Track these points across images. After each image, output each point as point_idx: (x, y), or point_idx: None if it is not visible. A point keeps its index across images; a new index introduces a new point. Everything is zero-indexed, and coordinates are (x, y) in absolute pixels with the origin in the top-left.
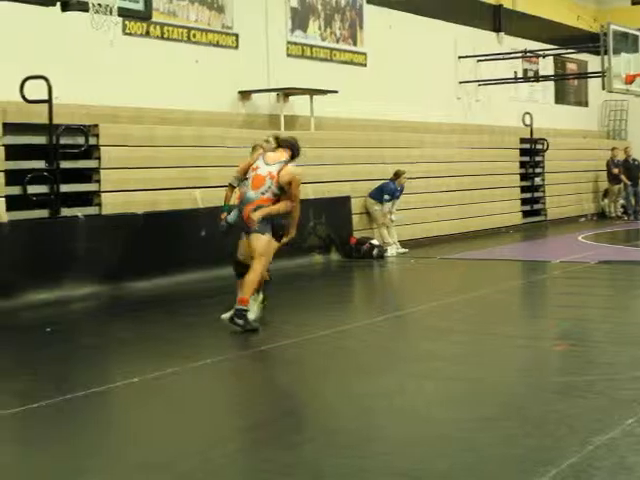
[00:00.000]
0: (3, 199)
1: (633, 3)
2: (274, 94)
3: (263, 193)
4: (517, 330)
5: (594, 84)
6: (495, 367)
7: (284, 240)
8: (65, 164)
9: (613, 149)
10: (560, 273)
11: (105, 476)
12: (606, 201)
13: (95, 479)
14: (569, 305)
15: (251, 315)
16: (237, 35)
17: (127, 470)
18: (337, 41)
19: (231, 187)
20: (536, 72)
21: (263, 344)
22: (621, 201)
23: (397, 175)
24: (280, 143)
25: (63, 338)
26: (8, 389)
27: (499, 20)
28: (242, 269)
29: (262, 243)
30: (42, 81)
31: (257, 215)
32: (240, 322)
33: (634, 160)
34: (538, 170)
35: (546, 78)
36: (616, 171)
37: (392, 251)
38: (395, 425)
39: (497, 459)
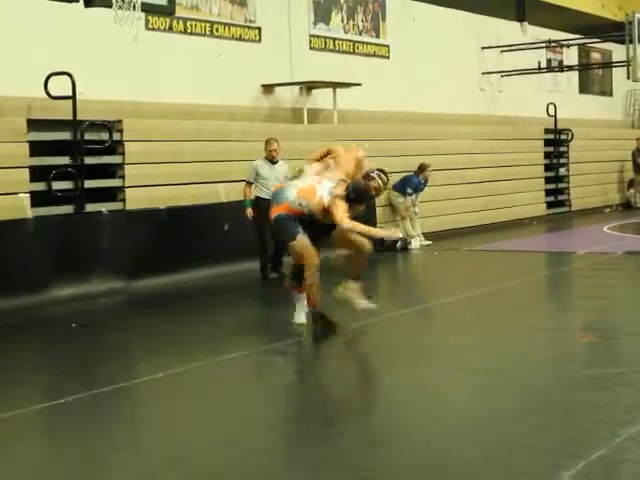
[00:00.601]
0: (28, 195)
1: None
2: (297, 87)
3: (300, 205)
4: (544, 322)
5: (619, 73)
6: (522, 359)
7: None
8: (89, 160)
9: (638, 139)
10: (586, 264)
11: (131, 470)
12: (631, 191)
13: (121, 473)
14: (596, 296)
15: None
16: (260, 29)
17: (153, 465)
18: (360, 33)
19: (248, 184)
20: (560, 62)
21: (289, 338)
22: None
23: (422, 168)
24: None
25: (89, 333)
26: (35, 384)
27: (522, 10)
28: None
29: (295, 250)
30: (66, 77)
31: None
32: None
33: None
34: (562, 161)
35: (570, 68)
36: None
37: (416, 243)
38: (423, 418)
39: (526, 451)
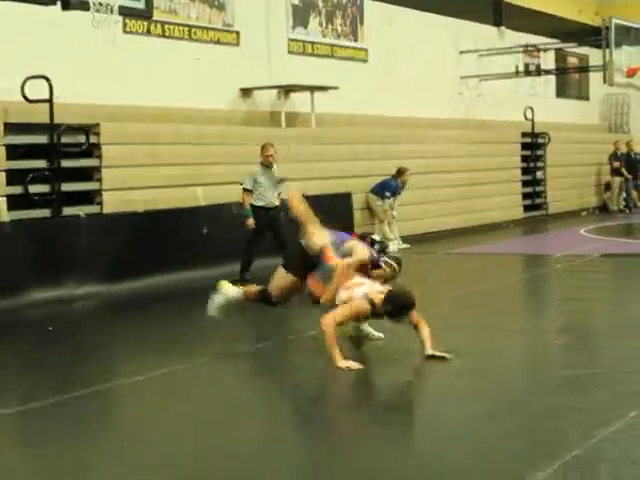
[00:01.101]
0: (5, 198)
1: None
2: (275, 91)
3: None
4: (520, 324)
5: (595, 78)
6: (499, 361)
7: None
8: (66, 163)
9: (616, 142)
10: (562, 267)
11: (109, 475)
12: (608, 194)
13: (99, 478)
14: (572, 298)
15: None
16: (238, 32)
17: (131, 469)
18: (338, 37)
19: (247, 192)
20: (537, 66)
21: (268, 340)
22: (624, 194)
23: (400, 172)
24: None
25: (66, 336)
26: (12, 388)
27: (500, 14)
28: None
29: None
30: (43, 81)
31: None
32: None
33: (636, 154)
34: (540, 164)
35: (547, 72)
36: (617, 164)
37: (394, 247)
38: (400, 420)
39: (501, 452)
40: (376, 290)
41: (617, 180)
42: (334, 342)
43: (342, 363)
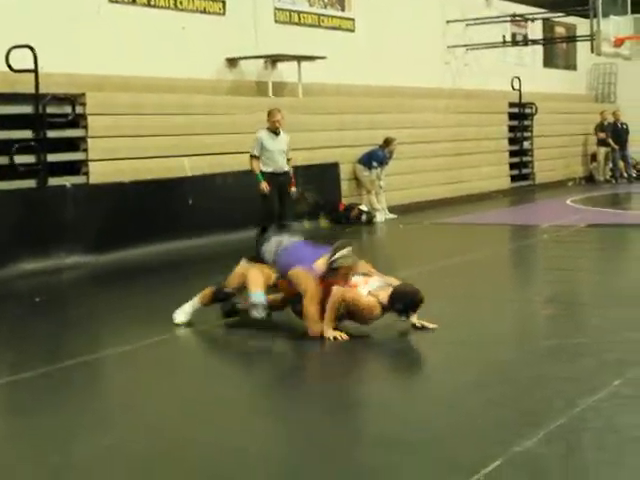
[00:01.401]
0: None
1: None
2: (262, 61)
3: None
4: (507, 294)
5: (583, 47)
6: (486, 331)
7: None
8: (52, 133)
9: (602, 113)
10: (549, 237)
11: (99, 441)
12: (594, 165)
13: (87, 446)
14: (559, 268)
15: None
16: (224, 2)
17: (122, 434)
18: (325, 7)
19: (255, 158)
20: (525, 36)
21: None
22: (610, 165)
23: (387, 142)
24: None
25: (54, 307)
26: (1, 358)
27: None
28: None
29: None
30: (28, 50)
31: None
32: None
33: (622, 124)
34: (527, 134)
35: (535, 42)
36: (602, 135)
37: (381, 217)
38: (387, 389)
39: (488, 422)
40: (376, 287)
41: (603, 150)
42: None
43: (330, 333)
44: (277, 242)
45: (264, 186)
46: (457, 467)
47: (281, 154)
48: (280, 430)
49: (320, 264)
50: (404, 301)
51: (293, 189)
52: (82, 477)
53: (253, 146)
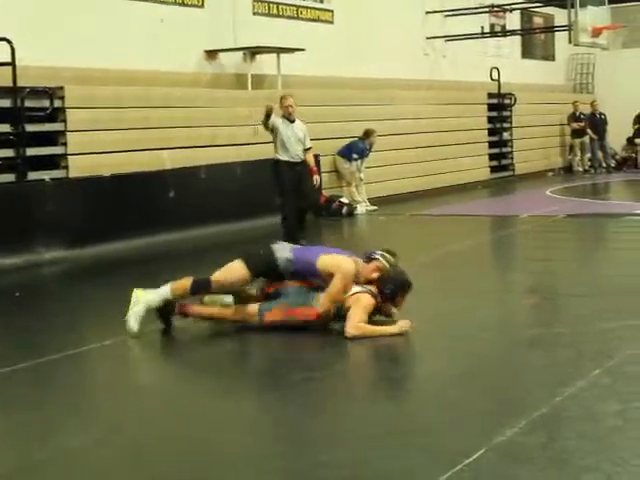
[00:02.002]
0: None
1: None
2: (241, 53)
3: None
4: (488, 284)
5: (561, 38)
6: (468, 322)
7: None
8: (30, 127)
9: (574, 103)
10: (529, 227)
11: (82, 436)
12: (573, 155)
13: (70, 439)
14: (539, 259)
15: None
16: None
17: (101, 430)
18: None
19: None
20: (503, 27)
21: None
22: (588, 155)
23: (367, 134)
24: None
25: (33, 302)
26: None
27: None
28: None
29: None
30: (5, 43)
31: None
32: None
33: (600, 114)
34: (506, 125)
35: (513, 32)
36: (575, 126)
37: (361, 209)
38: (370, 383)
39: (471, 412)
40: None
41: (578, 141)
42: (370, 329)
43: (394, 329)
44: (289, 247)
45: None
46: (441, 456)
47: (297, 142)
48: (264, 425)
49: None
50: (394, 283)
51: (316, 177)
52: (66, 471)
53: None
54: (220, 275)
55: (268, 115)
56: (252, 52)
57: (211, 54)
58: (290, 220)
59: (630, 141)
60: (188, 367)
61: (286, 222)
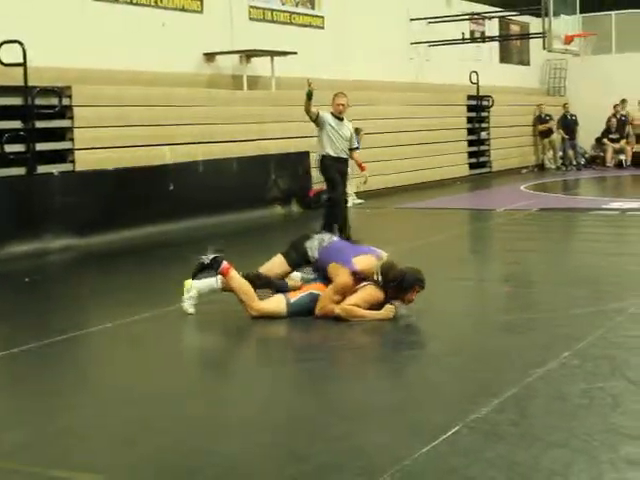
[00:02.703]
0: None
1: None
2: (237, 56)
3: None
4: (465, 273)
5: (536, 44)
6: (445, 307)
7: None
8: (40, 124)
9: (539, 105)
10: (504, 220)
11: (83, 413)
12: (546, 155)
13: (73, 415)
14: (513, 249)
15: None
16: (202, 0)
17: (104, 407)
18: (296, 5)
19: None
20: (482, 33)
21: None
22: (560, 153)
23: (355, 133)
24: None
25: (41, 287)
26: None
27: None
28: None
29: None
30: (17, 45)
31: None
32: None
33: (572, 115)
34: (484, 125)
35: (491, 39)
36: (540, 127)
37: (349, 202)
38: (344, 363)
39: (444, 391)
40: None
41: (545, 141)
42: (359, 313)
43: (384, 314)
44: (320, 240)
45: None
46: (419, 433)
47: (344, 140)
48: (255, 401)
49: (360, 260)
50: (405, 278)
51: (365, 173)
52: (79, 442)
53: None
54: (264, 268)
55: (310, 93)
56: (247, 55)
57: (209, 57)
58: (337, 209)
59: (599, 141)
60: (182, 349)
61: (334, 210)
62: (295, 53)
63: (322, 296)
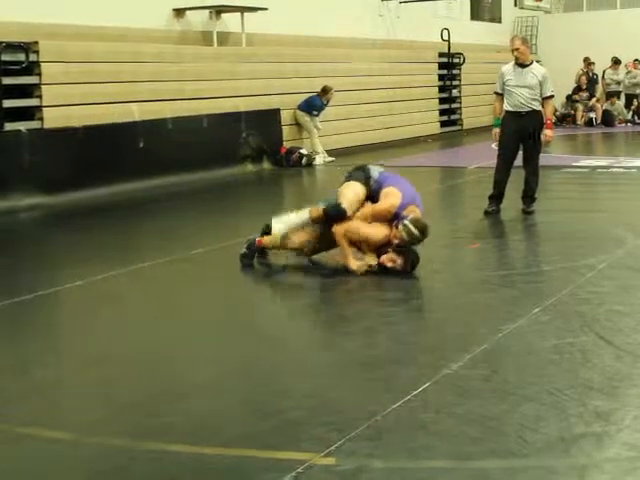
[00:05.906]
0: None
1: None
2: (207, 11)
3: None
4: (438, 230)
5: (507, 1)
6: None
7: None
8: (7, 80)
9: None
10: (476, 177)
11: (54, 371)
12: None
13: (44, 373)
14: (483, 207)
15: None
16: None
17: (75, 365)
18: None
19: (498, 95)
20: None
21: (198, 247)
22: None
23: (325, 91)
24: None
25: (8, 245)
26: None
27: None
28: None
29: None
30: None
31: None
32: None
33: None
34: (455, 83)
35: None
36: None
37: (320, 160)
38: (324, 319)
39: (419, 347)
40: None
41: None
42: (345, 247)
43: (356, 264)
44: (378, 168)
45: (494, 133)
46: (391, 388)
47: (525, 89)
48: (225, 359)
49: (412, 210)
50: (408, 250)
51: (548, 132)
52: (45, 402)
53: (497, 82)
54: (346, 197)
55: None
56: (218, 10)
57: (179, 12)
58: (498, 175)
59: (569, 98)
60: (153, 306)
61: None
62: (266, 9)
63: (358, 214)
